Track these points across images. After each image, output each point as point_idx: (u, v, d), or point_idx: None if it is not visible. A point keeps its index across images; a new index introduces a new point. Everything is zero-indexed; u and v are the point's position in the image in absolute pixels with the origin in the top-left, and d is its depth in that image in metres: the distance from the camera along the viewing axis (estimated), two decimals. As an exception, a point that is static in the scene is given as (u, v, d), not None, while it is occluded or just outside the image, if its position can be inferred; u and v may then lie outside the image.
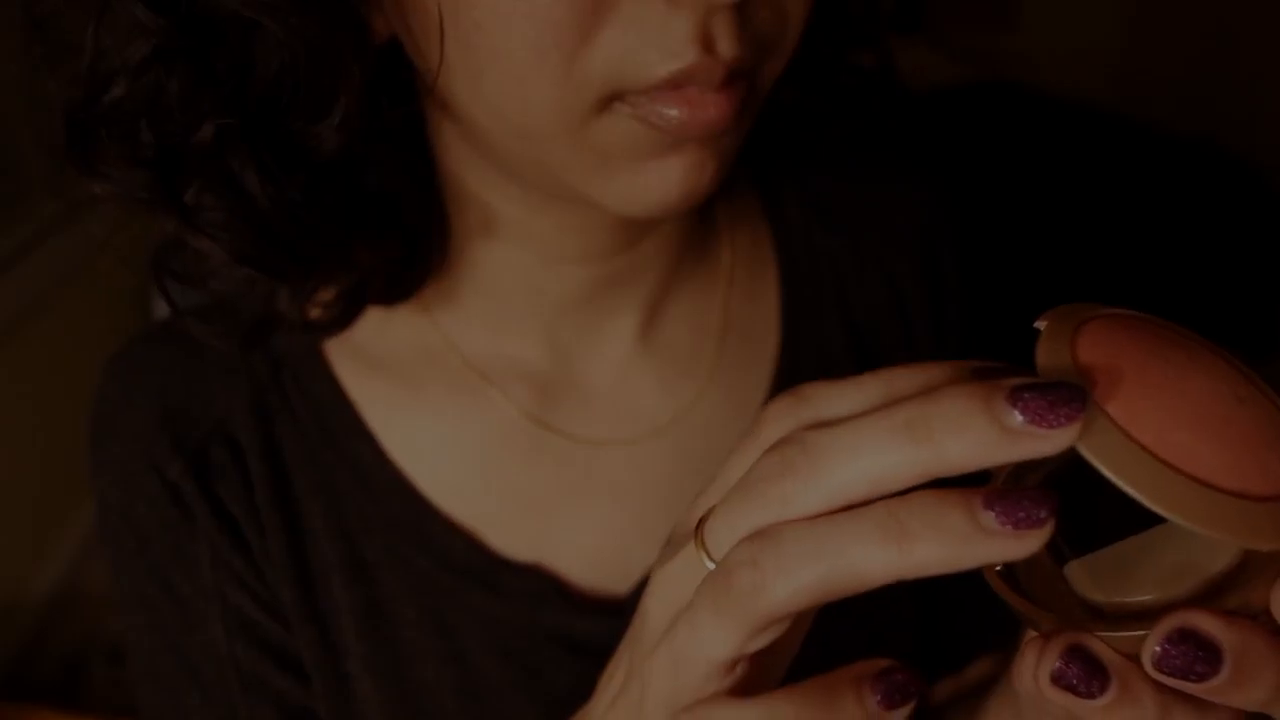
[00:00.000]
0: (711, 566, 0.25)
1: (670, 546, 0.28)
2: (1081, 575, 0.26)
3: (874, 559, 0.22)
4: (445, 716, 0.43)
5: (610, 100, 0.33)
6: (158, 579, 0.43)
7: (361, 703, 0.43)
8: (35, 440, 1.55)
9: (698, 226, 0.46)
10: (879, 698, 0.25)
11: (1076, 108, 1.90)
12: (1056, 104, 1.91)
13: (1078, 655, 0.23)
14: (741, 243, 0.49)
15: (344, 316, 0.41)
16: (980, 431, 0.22)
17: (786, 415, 0.26)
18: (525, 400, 0.44)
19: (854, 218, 0.50)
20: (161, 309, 0.56)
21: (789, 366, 0.47)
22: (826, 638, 0.46)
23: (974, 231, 0.52)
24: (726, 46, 0.32)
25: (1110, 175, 1.83)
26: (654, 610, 0.27)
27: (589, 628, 0.43)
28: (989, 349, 0.51)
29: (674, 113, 0.32)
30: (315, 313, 0.41)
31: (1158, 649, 0.23)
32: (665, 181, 0.34)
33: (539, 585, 0.44)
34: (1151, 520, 0.23)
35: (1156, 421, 0.22)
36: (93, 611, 1.57)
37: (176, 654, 0.44)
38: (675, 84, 0.32)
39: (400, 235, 0.40)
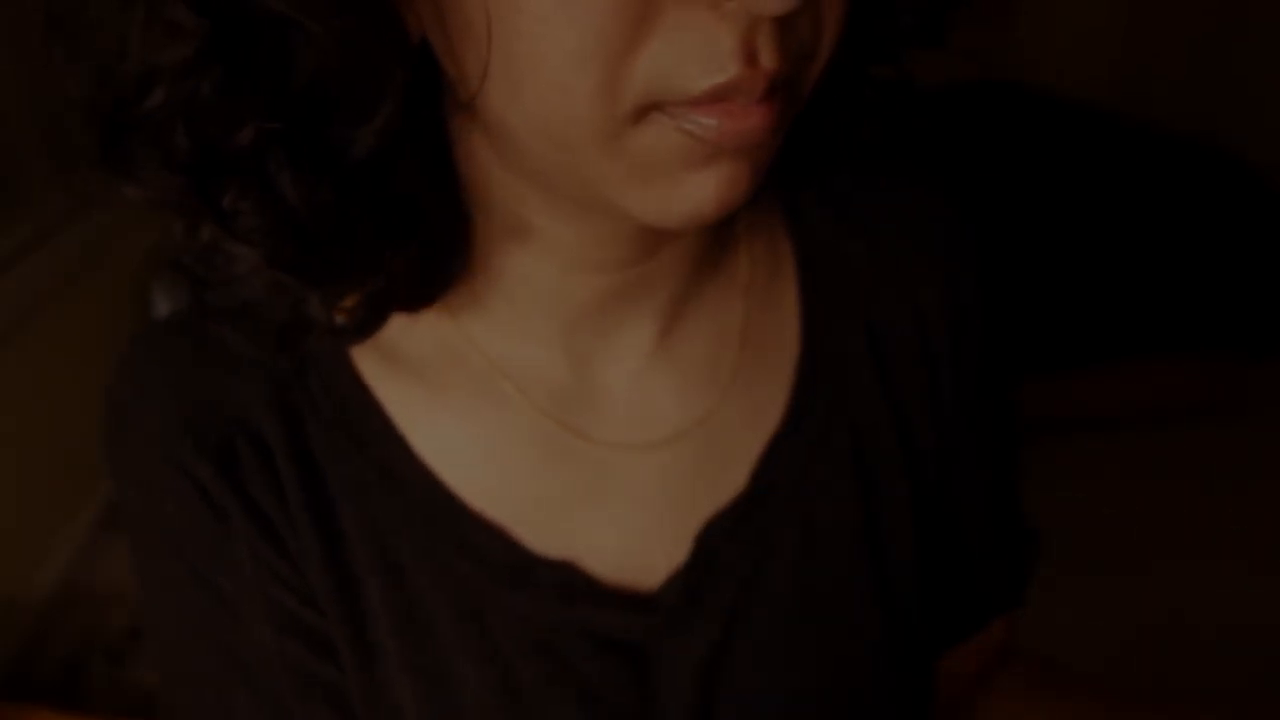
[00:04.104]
0: None
1: None
2: None
3: None
4: (485, 715, 0.43)
5: (648, 110, 0.33)
6: (198, 581, 0.43)
7: (398, 704, 0.43)
8: (36, 440, 1.55)
9: (716, 235, 0.46)
10: None
11: (1076, 108, 1.90)
12: (1056, 104, 1.91)
13: None
14: (759, 250, 0.48)
15: (370, 322, 0.41)
16: None
17: None
18: (546, 403, 0.44)
19: (874, 224, 0.50)
20: (162, 310, 0.56)
21: (808, 374, 0.47)
22: (794, 653, 0.46)
23: (994, 247, 0.52)
24: (769, 59, 0.32)
25: (1110, 175, 1.83)
26: None
27: (619, 622, 0.44)
28: (1004, 364, 0.51)
29: (713, 122, 0.32)
30: (340, 318, 0.41)
31: None
32: (701, 193, 0.34)
33: (570, 579, 0.44)
34: None
35: None
36: (93, 611, 1.57)
37: (224, 655, 0.43)
38: (717, 97, 0.32)
39: (424, 240, 0.40)
